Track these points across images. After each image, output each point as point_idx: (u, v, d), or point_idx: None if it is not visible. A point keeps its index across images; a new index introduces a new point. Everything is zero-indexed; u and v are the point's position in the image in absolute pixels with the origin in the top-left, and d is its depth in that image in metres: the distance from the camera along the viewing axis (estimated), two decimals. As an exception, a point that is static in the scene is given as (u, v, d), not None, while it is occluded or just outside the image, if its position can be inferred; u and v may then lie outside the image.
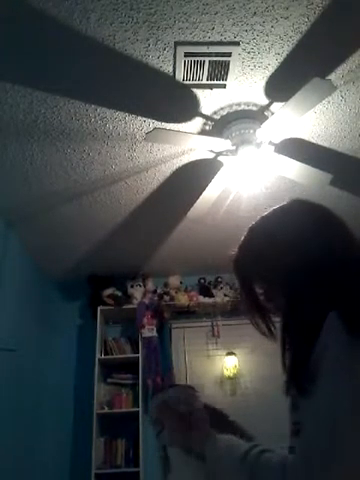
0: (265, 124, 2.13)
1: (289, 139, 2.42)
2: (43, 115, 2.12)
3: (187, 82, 2.00)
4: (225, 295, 3.84)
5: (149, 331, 3.65)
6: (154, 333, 3.67)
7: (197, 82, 2.00)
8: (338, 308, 0.72)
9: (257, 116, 2.23)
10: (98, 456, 3.24)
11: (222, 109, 2.20)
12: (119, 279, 3.88)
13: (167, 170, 2.63)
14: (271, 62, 1.93)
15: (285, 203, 0.96)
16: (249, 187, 2.56)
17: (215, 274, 3.98)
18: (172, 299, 3.82)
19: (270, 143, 2.39)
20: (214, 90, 2.07)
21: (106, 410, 3.44)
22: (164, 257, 3.73)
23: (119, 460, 3.29)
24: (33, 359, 3.34)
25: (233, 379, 3.69)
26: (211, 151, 2.46)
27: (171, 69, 1.93)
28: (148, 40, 1.79)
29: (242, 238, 0.96)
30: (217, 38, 1.80)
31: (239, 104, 2.17)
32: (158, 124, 2.24)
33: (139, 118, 2.20)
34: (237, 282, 0.96)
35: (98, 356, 3.55)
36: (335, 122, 2.33)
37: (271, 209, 0.97)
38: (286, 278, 0.83)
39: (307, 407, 0.70)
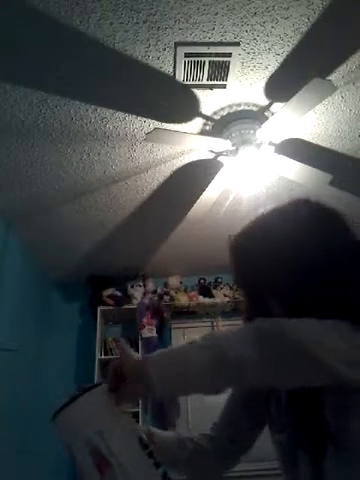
0: (265, 124, 2.12)
1: (289, 139, 2.42)
2: (43, 115, 2.12)
3: (187, 82, 2.00)
4: (225, 295, 3.84)
5: (149, 331, 3.65)
6: (154, 333, 3.67)
7: (197, 82, 2.00)
8: (340, 317, 0.71)
9: (257, 116, 2.23)
10: (98, 456, 3.24)
11: (222, 109, 2.20)
12: (119, 279, 3.88)
13: (167, 170, 2.63)
14: (271, 62, 1.93)
15: (290, 203, 0.91)
16: (249, 187, 2.55)
17: (215, 274, 3.98)
18: (172, 299, 3.82)
19: (270, 143, 2.38)
20: (214, 90, 2.07)
21: (106, 410, 3.44)
22: (164, 257, 3.73)
23: (119, 460, 3.28)
24: (33, 359, 3.34)
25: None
26: (211, 151, 2.46)
27: (171, 69, 1.93)
28: (148, 40, 1.79)
29: (241, 236, 0.93)
30: (217, 38, 1.80)
31: (239, 104, 2.17)
32: (158, 124, 2.24)
33: (139, 118, 2.20)
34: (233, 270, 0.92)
35: (98, 356, 3.55)
36: (335, 122, 2.33)
37: (274, 209, 0.92)
38: (289, 286, 0.80)
39: None
